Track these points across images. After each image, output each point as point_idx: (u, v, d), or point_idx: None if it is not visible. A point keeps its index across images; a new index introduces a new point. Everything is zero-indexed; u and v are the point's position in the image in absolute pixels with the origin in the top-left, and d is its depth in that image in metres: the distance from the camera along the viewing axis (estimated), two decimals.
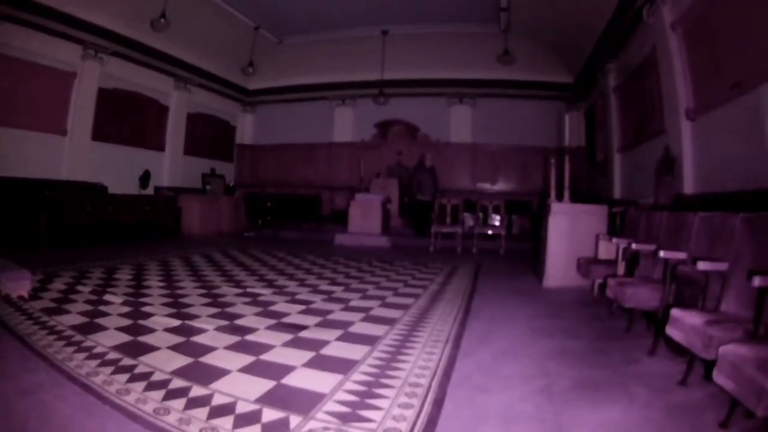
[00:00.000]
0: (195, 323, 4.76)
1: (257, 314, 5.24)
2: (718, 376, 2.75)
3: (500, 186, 17.30)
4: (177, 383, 3.24)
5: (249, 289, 6.53)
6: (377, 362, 3.82)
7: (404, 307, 5.80)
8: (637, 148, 10.80)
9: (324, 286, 7.04)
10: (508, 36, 15.52)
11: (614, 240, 6.06)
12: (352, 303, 5.98)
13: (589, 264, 6.50)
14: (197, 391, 3.13)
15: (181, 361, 3.68)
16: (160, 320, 4.81)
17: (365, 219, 12.68)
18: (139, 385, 3.17)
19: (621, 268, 5.99)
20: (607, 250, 6.77)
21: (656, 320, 4.43)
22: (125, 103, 13.69)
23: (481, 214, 12.81)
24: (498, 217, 12.73)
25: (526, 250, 11.93)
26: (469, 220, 12.67)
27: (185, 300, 5.77)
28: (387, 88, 17.41)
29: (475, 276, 8.47)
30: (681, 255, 4.43)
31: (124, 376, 3.31)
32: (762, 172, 5.94)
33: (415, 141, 17.65)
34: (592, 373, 3.86)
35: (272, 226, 15.61)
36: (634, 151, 11.09)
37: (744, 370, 2.54)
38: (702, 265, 3.70)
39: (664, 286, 4.50)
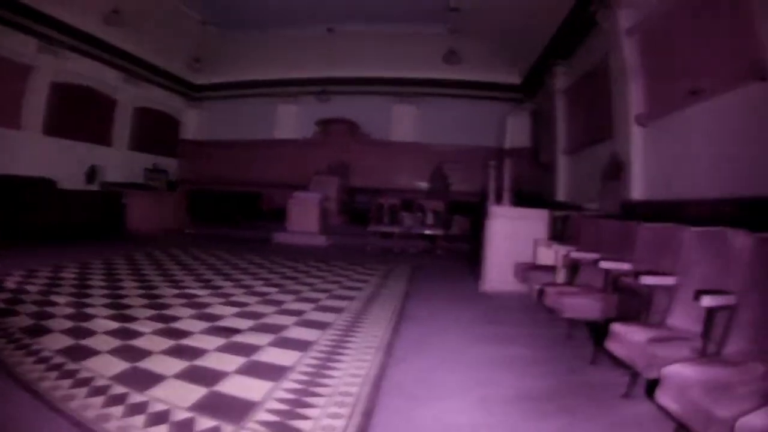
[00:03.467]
0: (134, 326, 4.75)
1: (193, 317, 5.23)
2: (661, 397, 2.67)
3: (440, 186, 17.13)
4: (116, 389, 3.27)
5: (187, 290, 6.51)
6: (309, 369, 3.82)
7: (338, 311, 5.78)
8: (584, 151, 10.99)
9: (260, 287, 7.00)
10: (456, 36, 15.58)
11: (554, 246, 6.05)
12: (287, 305, 5.96)
13: (528, 270, 6.46)
14: (135, 397, 3.15)
15: (121, 366, 3.69)
16: (102, 323, 4.79)
17: (303, 217, 12.61)
18: (82, 391, 3.21)
19: (561, 276, 5.97)
20: (546, 255, 6.75)
21: (597, 331, 4.41)
22: (76, 97, 13.62)
23: (419, 214, 12.73)
24: (437, 218, 12.67)
25: (466, 251, 11.97)
26: (407, 220, 12.57)
27: (125, 301, 5.74)
28: (330, 85, 17.78)
29: (411, 278, 8.40)
30: (625, 266, 4.41)
31: (68, 382, 3.35)
32: (713, 180, 6.11)
33: (355, 138, 17.84)
34: (532, 384, 3.79)
35: (213, 223, 15.48)
36: (580, 154, 11.29)
37: (689, 394, 2.46)
38: (647, 279, 3.65)
39: (605, 298, 4.48)
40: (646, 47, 7.97)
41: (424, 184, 17.21)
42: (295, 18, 15.95)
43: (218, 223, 15.48)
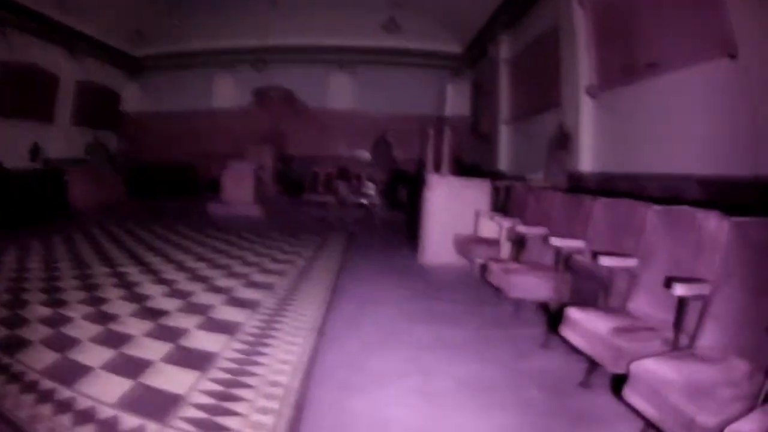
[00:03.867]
0: (65, 311, 4.52)
1: (122, 297, 5.01)
2: (631, 396, 2.36)
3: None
4: (46, 384, 3.09)
5: (119, 268, 6.21)
6: (237, 355, 3.60)
7: (269, 287, 5.49)
8: (528, 120, 10.77)
9: (190, 262, 6.67)
10: (396, 5, 15.15)
11: (496, 218, 5.71)
12: (216, 281, 5.68)
13: (469, 243, 6.08)
14: (62, 393, 2.97)
15: (51, 357, 3.50)
16: (35, 309, 4.57)
17: (238, 188, 12.17)
18: (14, 388, 3.04)
19: (505, 251, 5.65)
20: (489, 228, 6.40)
21: (549, 313, 4.11)
22: (18, 75, 13.06)
23: (355, 182, 12.33)
24: (373, 186, 12.29)
25: (403, 221, 11.58)
26: (343, 189, 12.16)
27: (59, 283, 5.47)
28: (268, 54, 17.38)
29: (346, 249, 8.03)
30: (578, 244, 4.09)
31: (2, 378, 3.19)
32: (672, 157, 5.94)
33: (292, 108, 17.52)
34: (477, 370, 3.49)
35: (152, 196, 14.95)
36: (524, 123, 11.06)
37: (667, 396, 2.13)
38: (606, 260, 3.32)
39: (557, 277, 4.16)
40: (599, 16, 7.67)
41: (362, 152, 17.05)
42: None
43: (156, 196, 14.96)
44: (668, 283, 2.72)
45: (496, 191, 7.66)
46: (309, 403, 2.91)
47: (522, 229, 4.91)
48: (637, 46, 6.67)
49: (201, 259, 6.83)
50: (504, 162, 12.34)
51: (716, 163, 5.27)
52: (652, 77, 6.39)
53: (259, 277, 5.86)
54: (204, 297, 5.04)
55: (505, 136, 12.34)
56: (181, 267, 6.35)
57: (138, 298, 4.94)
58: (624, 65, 7.00)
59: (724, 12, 5.01)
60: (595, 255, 3.47)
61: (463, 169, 13.79)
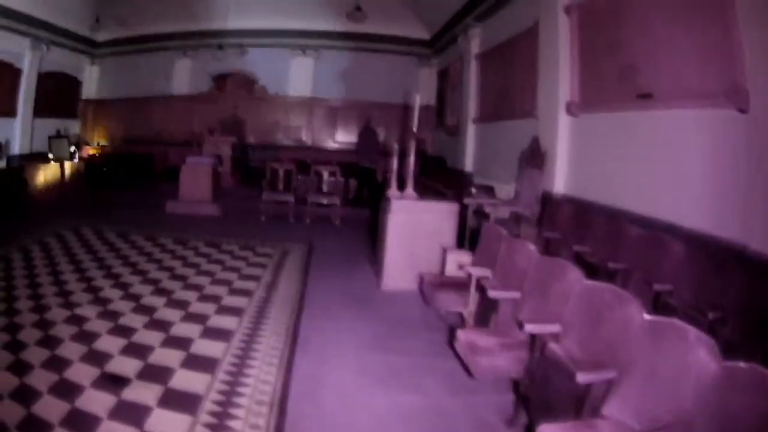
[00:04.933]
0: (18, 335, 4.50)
1: (66, 321, 4.97)
2: None
3: (339, 143, 17.18)
4: None
5: (65, 286, 6.10)
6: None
7: (226, 337, 4.97)
8: (498, 123, 10.47)
9: (141, 288, 6.29)
10: None
11: (466, 268, 5.36)
12: (173, 331, 5.07)
13: (435, 288, 5.66)
14: None
15: None
16: None
17: (195, 185, 11.77)
18: None
19: (473, 302, 5.33)
20: (455, 262, 6.11)
21: (518, 390, 3.83)
22: None
23: (315, 176, 11.91)
24: (333, 180, 11.90)
25: (363, 220, 11.39)
26: (302, 186, 11.75)
27: (15, 305, 5.38)
28: (228, 38, 16.88)
29: (306, 268, 7.67)
30: (554, 328, 3.75)
31: None
32: (652, 199, 5.81)
33: (252, 94, 17.26)
34: None
35: (110, 189, 14.27)
36: (494, 126, 10.76)
37: None
38: (583, 377, 2.94)
39: (530, 359, 3.86)
40: (588, 30, 7.27)
41: (323, 143, 17.08)
42: None
43: (114, 188, 14.32)
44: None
45: (463, 207, 7.39)
46: None
47: (493, 293, 4.54)
48: (631, 72, 6.27)
49: (156, 291, 6.23)
50: (470, 162, 12.09)
51: (705, 219, 5.02)
52: (643, 109, 6.08)
53: (216, 321, 5.37)
54: (160, 355, 4.54)
55: (472, 135, 12.04)
56: (136, 300, 5.87)
57: (84, 338, 4.66)
58: (612, 89, 6.65)
59: (740, 58, 4.61)
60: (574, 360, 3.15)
61: (428, 163, 13.52)
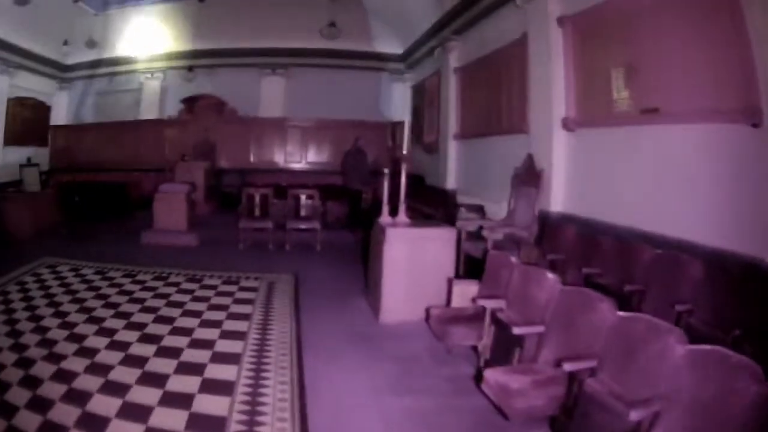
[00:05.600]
0: None
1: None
2: None
3: (312, 164, 17.01)
4: None
5: (47, 334, 5.69)
6: None
7: (228, 390, 4.57)
8: (483, 140, 10.33)
9: (127, 334, 5.85)
10: (334, 5, 14.57)
11: (482, 302, 5.10)
12: (169, 385, 4.65)
13: (445, 324, 5.39)
14: None
15: None
16: None
17: (170, 215, 11.44)
18: None
19: (488, 335, 5.09)
20: (461, 293, 5.84)
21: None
22: None
23: (292, 201, 11.60)
24: (311, 203, 11.60)
25: (345, 244, 11.34)
26: (279, 211, 11.44)
27: None
28: (198, 59, 16.95)
29: (296, 301, 7.37)
30: (590, 364, 3.56)
31: None
32: (662, 215, 5.69)
33: (222, 116, 17.01)
34: None
35: (84, 219, 13.94)
36: (479, 143, 10.62)
37: None
38: (635, 415, 2.88)
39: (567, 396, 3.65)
40: (584, 42, 7.16)
41: (295, 164, 16.93)
42: None
43: (89, 218, 13.99)
44: None
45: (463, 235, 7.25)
46: None
47: (518, 330, 4.30)
48: (634, 84, 6.16)
49: (144, 336, 5.83)
50: (452, 180, 11.94)
51: (720, 234, 4.97)
52: (647, 123, 5.98)
53: (213, 371, 4.97)
54: (149, 404, 4.26)
55: (454, 152, 11.90)
56: (117, 346, 5.50)
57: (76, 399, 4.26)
58: (612, 103, 6.51)
59: (752, 73, 4.53)
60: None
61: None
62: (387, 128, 16.33)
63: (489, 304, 4.98)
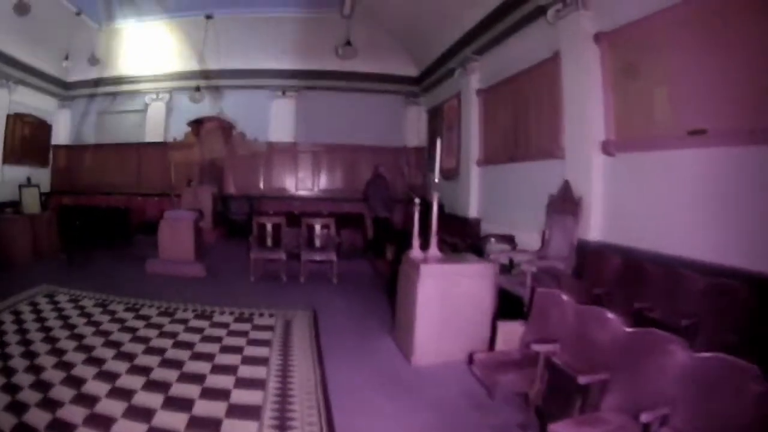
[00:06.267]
0: None
1: None
2: None
3: (325, 191, 16.71)
4: None
5: (44, 375, 5.24)
6: None
7: None
8: (510, 166, 9.93)
9: (131, 380, 5.30)
10: (350, 23, 14.17)
11: (536, 347, 4.59)
12: None
13: (494, 371, 4.88)
14: None
15: None
16: None
17: (177, 243, 11.04)
18: None
19: (539, 381, 4.58)
20: (507, 334, 5.35)
21: None
22: None
23: (306, 230, 11.14)
24: (326, 233, 11.14)
25: (362, 275, 11.05)
26: (292, 241, 10.99)
27: None
28: (205, 80, 16.33)
29: (317, 342, 6.83)
30: (663, 411, 3.23)
31: None
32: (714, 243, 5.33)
33: (230, 140, 16.69)
34: None
35: (86, 244, 13.72)
36: (505, 169, 10.22)
37: None
38: None
39: None
40: (623, 60, 6.77)
41: (307, 192, 16.60)
42: (174, 6, 14.71)
43: (90, 244, 13.79)
44: None
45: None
46: None
47: (584, 379, 3.84)
48: (678, 104, 5.82)
49: (149, 382, 5.30)
50: (474, 208, 11.56)
51: None
52: (693, 146, 5.63)
53: (232, 427, 4.45)
54: None
55: (476, 179, 11.51)
56: (119, 394, 4.95)
57: None
58: (656, 125, 6.15)
59: None
60: None
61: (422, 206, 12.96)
62: (402, 154, 16.06)
63: (543, 348, 4.48)
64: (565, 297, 4.91)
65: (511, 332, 5.29)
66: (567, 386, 4.14)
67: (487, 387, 5.07)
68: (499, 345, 5.35)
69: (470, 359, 5.42)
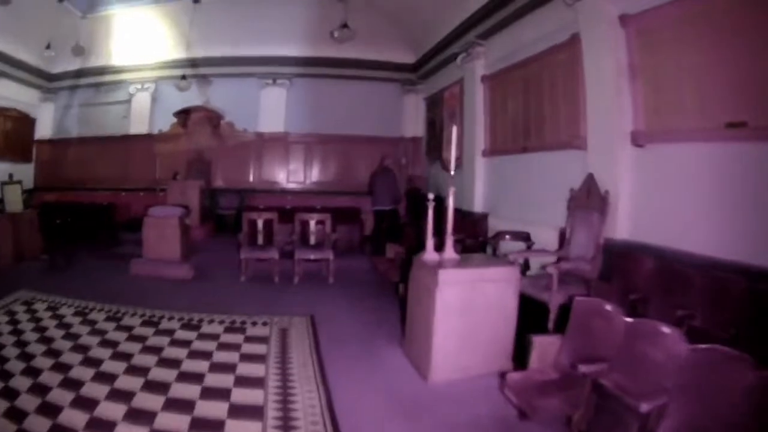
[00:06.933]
0: None
1: None
2: None
3: (317, 184, 16.35)
4: None
5: (19, 403, 4.69)
6: None
7: None
8: (521, 156, 9.45)
9: (111, 408, 4.69)
10: (346, 6, 13.48)
11: (583, 368, 4.03)
12: None
13: (530, 395, 4.32)
14: None
15: None
16: None
17: (162, 242, 10.62)
18: None
19: (585, 406, 4.02)
20: (542, 352, 4.81)
21: None
22: None
23: (299, 227, 10.59)
24: (321, 229, 10.62)
25: (360, 273, 10.89)
26: (284, 239, 10.48)
27: None
28: (192, 68, 15.83)
29: (318, 356, 6.24)
30: None
31: None
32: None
33: (218, 130, 16.22)
34: None
35: (68, 243, 13.27)
36: (515, 160, 9.74)
37: None
38: None
39: None
40: (652, 45, 6.28)
41: (299, 184, 16.22)
42: None
43: (73, 243, 13.37)
44: None
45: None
46: None
47: (646, 407, 3.35)
48: (714, 94, 5.41)
49: (131, 411, 4.67)
50: (480, 202, 11.13)
51: None
52: (731, 140, 5.25)
53: None
54: None
55: (482, 170, 11.04)
56: (97, 426, 4.38)
57: None
58: (690, 115, 5.74)
59: None
60: None
61: (417, 199, 12.52)
62: (399, 144, 15.69)
63: (591, 370, 3.94)
64: (609, 307, 4.39)
65: (546, 346, 4.76)
66: (617, 410, 3.73)
67: (520, 408, 4.54)
68: (534, 362, 4.79)
69: (502, 381, 4.86)
